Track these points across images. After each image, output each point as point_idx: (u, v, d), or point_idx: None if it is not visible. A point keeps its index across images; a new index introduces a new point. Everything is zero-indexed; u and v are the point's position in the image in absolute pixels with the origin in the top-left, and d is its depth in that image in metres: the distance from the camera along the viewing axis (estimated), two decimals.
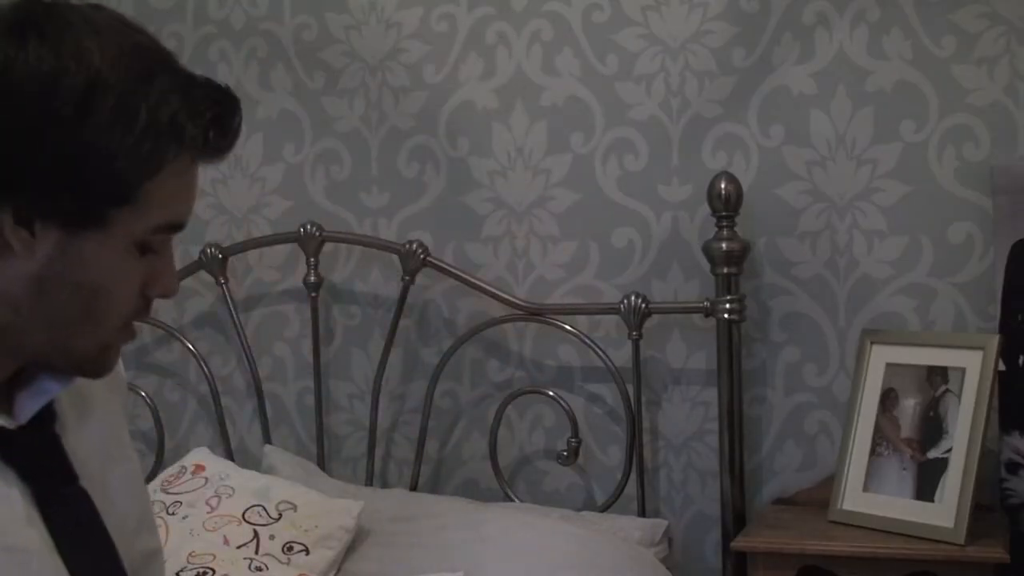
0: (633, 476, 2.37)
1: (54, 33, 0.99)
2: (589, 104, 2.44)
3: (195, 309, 2.73)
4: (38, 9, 1.02)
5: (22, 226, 1.00)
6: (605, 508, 2.39)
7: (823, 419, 2.32)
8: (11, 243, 1.00)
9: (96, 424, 1.19)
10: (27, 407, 1.09)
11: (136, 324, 1.11)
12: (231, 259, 2.64)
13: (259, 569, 2.05)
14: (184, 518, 2.20)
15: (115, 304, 1.06)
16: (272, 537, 2.16)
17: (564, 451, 2.39)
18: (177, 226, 1.07)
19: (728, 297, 2.24)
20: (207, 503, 2.24)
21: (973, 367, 2.03)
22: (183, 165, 1.04)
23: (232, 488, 2.27)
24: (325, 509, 2.23)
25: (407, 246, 2.48)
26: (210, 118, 1.04)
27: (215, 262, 2.61)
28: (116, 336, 1.09)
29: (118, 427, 1.25)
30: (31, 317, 1.04)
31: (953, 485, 1.99)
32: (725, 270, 2.24)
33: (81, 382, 1.13)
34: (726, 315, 2.25)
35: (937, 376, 2.08)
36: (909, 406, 2.10)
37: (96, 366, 1.10)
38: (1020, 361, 2.10)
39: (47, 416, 1.11)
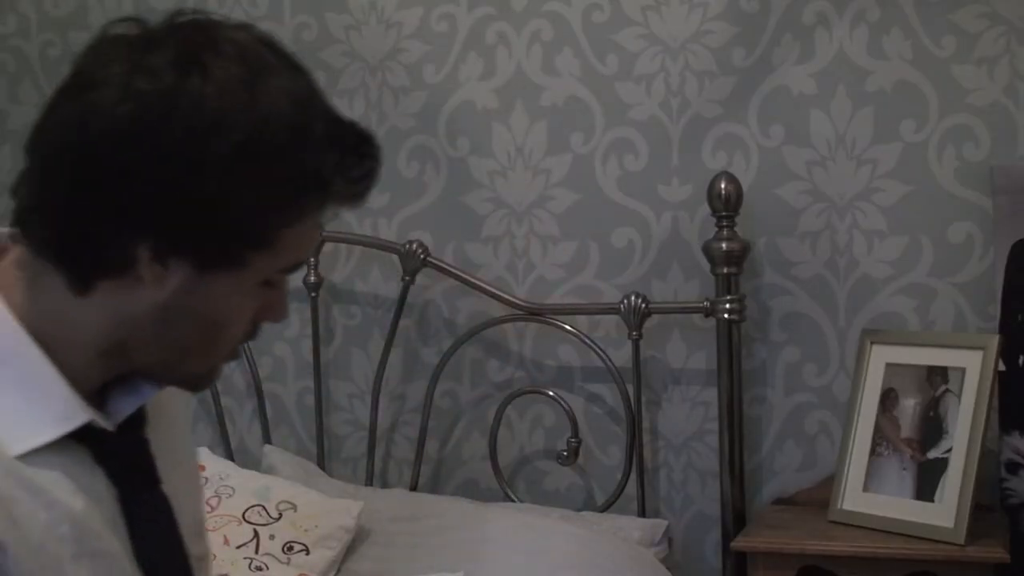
0: (633, 476, 2.37)
1: (215, 71, 0.98)
2: (589, 104, 2.44)
3: None
4: (199, 38, 1.00)
5: (157, 261, 0.99)
6: (605, 508, 2.39)
7: (823, 419, 2.32)
8: (144, 275, 1.00)
9: (168, 426, 1.18)
10: (122, 408, 1.09)
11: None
12: None
13: (259, 569, 2.05)
14: None
15: (230, 333, 1.08)
16: (272, 537, 2.16)
17: (564, 451, 2.39)
18: (301, 264, 1.09)
19: (728, 297, 2.24)
20: (207, 503, 2.23)
21: (973, 367, 2.03)
22: (320, 212, 1.05)
23: (232, 488, 2.27)
24: (325, 509, 2.23)
25: (407, 246, 2.48)
26: (355, 171, 1.04)
27: None
28: (223, 359, 1.11)
29: (184, 429, 1.26)
30: (149, 339, 1.04)
31: (953, 485, 1.99)
32: (725, 270, 2.24)
33: None
34: (726, 315, 2.25)
35: (937, 376, 2.08)
36: (909, 406, 2.10)
37: (200, 383, 1.13)
38: (1020, 361, 2.10)
39: (138, 418, 1.11)
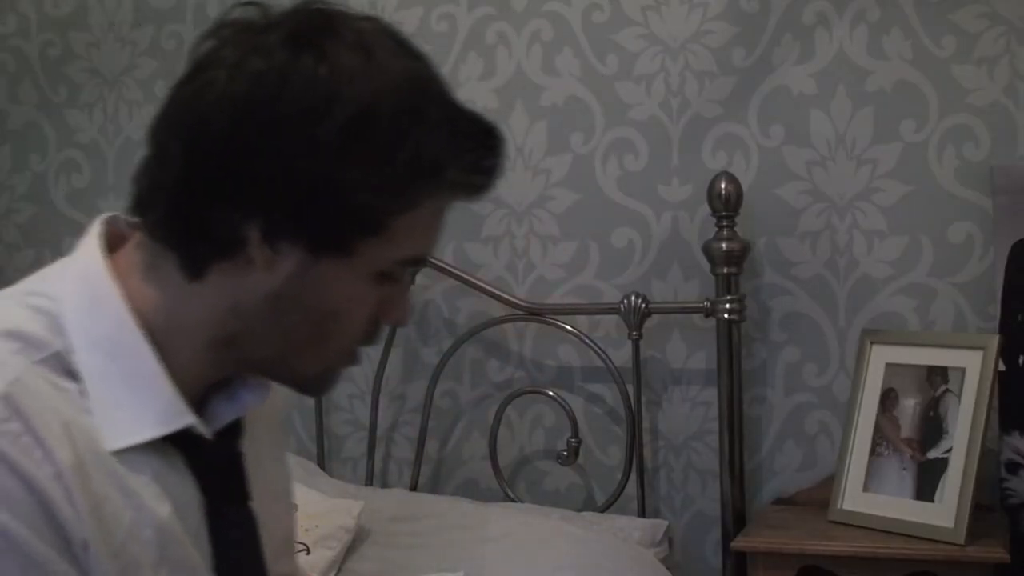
0: (633, 476, 2.37)
1: (331, 52, 0.96)
2: (589, 104, 2.44)
3: None
4: (317, 22, 0.99)
5: (267, 243, 0.98)
6: (605, 508, 2.39)
7: (823, 419, 2.32)
8: (254, 258, 0.98)
9: (264, 442, 1.17)
10: (221, 416, 1.06)
11: (361, 349, 1.08)
12: None
13: None
14: None
15: (345, 329, 1.04)
16: None
17: (564, 451, 2.39)
18: (421, 260, 1.06)
19: (728, 297, 2.24)
20: None
21: (973, 367, 2.03)
22: (438, 203, 1.03)
23: None
24: (325, 509, 2.23)
25: None
26: (472, 161, 1.01)
27: None
28: (340, 359, 1.07)
29: (274, 443, 1.22)
30: (261, 331, 1.02)
31: (953, 485, 1.99)
32: (725, 270, 2.24)
33: None
34: (726, 315, 2.25)
35: (937, 376, 2.08)
36: (909, 406, 2.10)
37: (316, 385, 1.09)
38: (1020, 361, 2.10)
39: (235, 429, 1.09)
